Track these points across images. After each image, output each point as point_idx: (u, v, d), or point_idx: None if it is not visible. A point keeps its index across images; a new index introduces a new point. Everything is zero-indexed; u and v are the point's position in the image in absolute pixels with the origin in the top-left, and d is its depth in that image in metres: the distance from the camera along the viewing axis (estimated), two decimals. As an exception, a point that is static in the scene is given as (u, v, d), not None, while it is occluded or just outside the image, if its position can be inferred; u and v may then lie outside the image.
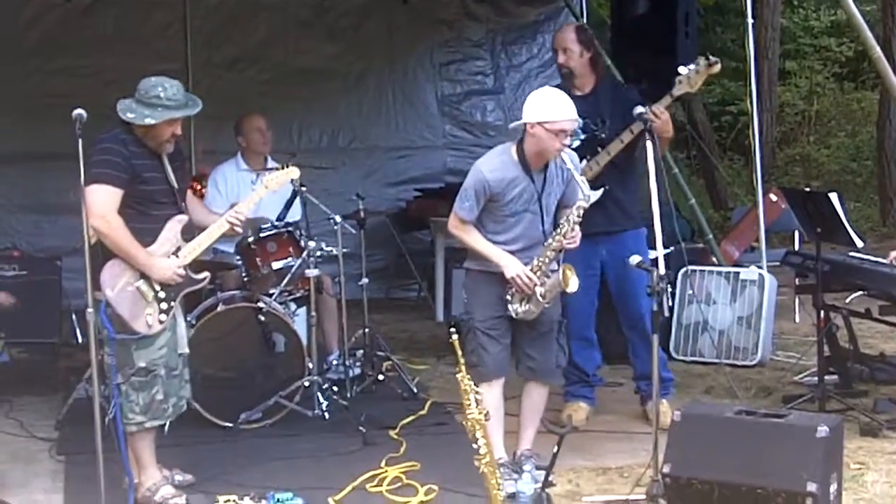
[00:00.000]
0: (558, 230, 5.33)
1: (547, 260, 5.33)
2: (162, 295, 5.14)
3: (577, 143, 6.13)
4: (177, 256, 5.19)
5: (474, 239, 5.39)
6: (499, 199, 5.32)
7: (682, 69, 6.06)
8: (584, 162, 6.08)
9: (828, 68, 17.90)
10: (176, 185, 5.26)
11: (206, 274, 5.35)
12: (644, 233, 6.35)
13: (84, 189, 4.81)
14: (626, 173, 6.27)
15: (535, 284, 5.30)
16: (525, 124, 5.29)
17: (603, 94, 6.29)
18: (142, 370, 5.12)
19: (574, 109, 5.32)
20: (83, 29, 9.42)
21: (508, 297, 5.37)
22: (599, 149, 6.10)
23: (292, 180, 5.97)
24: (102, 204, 5.00)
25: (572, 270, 5.30)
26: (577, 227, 5.32)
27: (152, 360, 5.13)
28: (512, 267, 5.31)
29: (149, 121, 5.07)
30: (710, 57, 6.05)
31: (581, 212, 5.29)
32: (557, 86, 6.41)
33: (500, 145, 5.52)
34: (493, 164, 5.36)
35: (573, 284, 5.28)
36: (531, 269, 5.32)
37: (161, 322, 5.14)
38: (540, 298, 5.32)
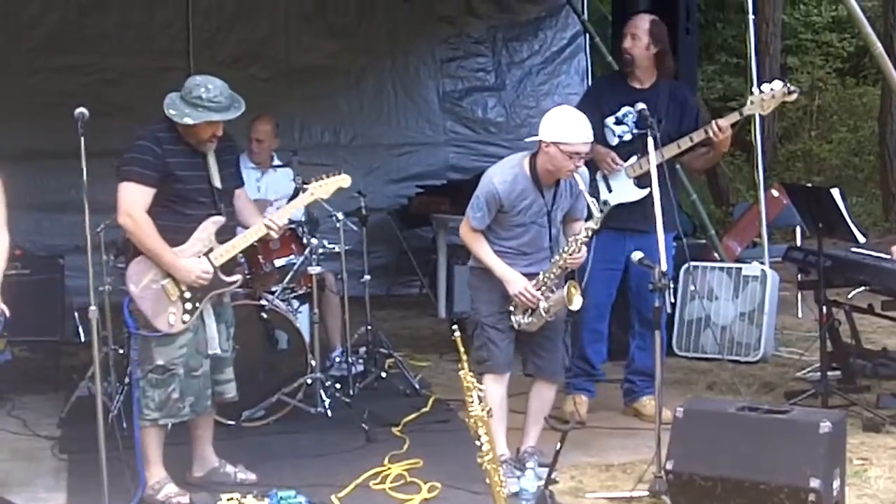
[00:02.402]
0: (565, 248, 5.33)
1: (552, 276, 5.34)
2: (188, 295, 5.13)
3: (628, 137, 6.15)
4: (208, 257, 5.17)
5: (483, 250, 5.39)
6: (508, 211, 5.33)
7: (756, 90, 6.03)
8: (634, 158, 6.08)
9: (829, 64, 17.88)
10: (220, 184, 5.23)
11: (237, 277, 5.34)
12: (672, 236, 6.31)
13: (117, 186, 4.90)
14: (669, 177, 6.22)
15: (539, 300, 5.30)
16: (540, 141, 5.27)
17: (663, 93, 6.25)
18: (159, 367, 5.12)
19: (590, 132, 5.29)
20: (86, 27, 9.43)
21: (512, 308, 5.38)
22: None
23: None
24: (130, 202, 5.02)
25: (577, 288, 5.29)
26: (583, 248, 5.31)
27: (171, 358, 5.13)
28: (515, 284, 5.31)
29: (188, 120, 5.05)
30: (790, 87, 6.00)
31: (589, 233, 5.28)
32: (616, 73, 6.37)
33: (513, 155, 5.49)
34: (505, 177, 5.34)
35: (577, 302, 5.29)
36: (535, 285, 5.32)
37: (184, 322, 5.13)
38: (543, 313, 5.33)
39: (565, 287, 5.28)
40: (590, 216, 5.28)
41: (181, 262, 5.10)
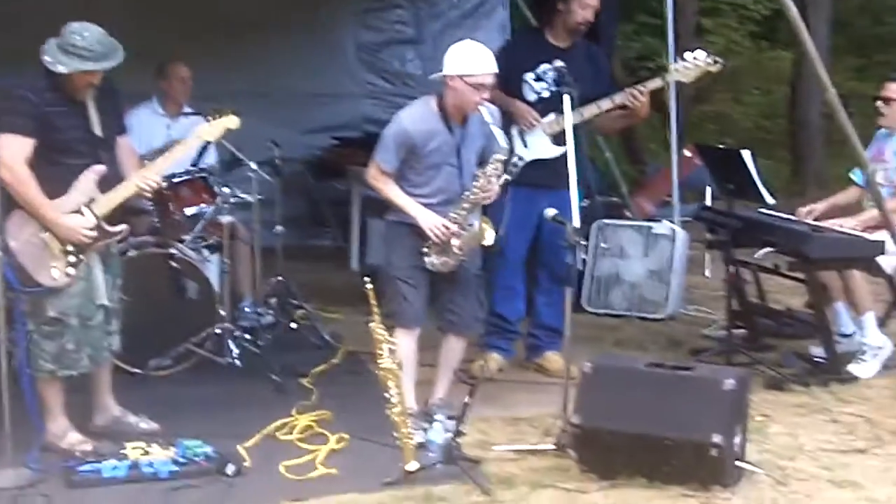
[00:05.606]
0: (475, 183, 5.33)
1: (464, 212, 5.35)
2: (70, 248, 5.03)
3: (547, 94, 6.15)
4: (90, 208, 5.06)
5: (392, 191, 5.39)
6: (418, 151, 5.32)
7: (679, 59, 6.13)
8: (553, 115, 6.07)
9: (744, 26, 18.04)
10: (100, 132, 5.11)
11: (123, 227, 5.21)
12: (581, 193, 6.36)
13: None
14: (579, 136, 6.25)
15: (452, 235, 5.31)
16: (445, 76, 5.27)
17: (581, 53, 6.28)
18: (51, 319, 5.03)
19: (494, 63, 5.30)
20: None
21: (425, 250, 5.38)
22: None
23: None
24: (10, 155, 4.88)
25: (489, 223, 5.32)
26: (493, 180, 5.32)
27: (63, 309, 5.04)
28: (427, 219, 5.32)
29: (61, 69, 4.92)
30: (715, 57, 6.06)
31: (497, 165, 5.30)
32: (535, 29, 6.40)
33: (422, 97, 5.51)
34: (414, 116, 5.36)
35: (489, 238, 5.31)
36: (447, 221, 5.33)
37: (68, 275, 5.03)
38: (456, 251, 5.34)
39: (477, 223, 5.29)
40: (499, 149, 5.28)
41: (62, 219, 4.98)
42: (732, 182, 6.59)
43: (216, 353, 6.36)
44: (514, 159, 6.11)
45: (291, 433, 5.36)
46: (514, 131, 6.21)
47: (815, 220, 6.63)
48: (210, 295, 6.42)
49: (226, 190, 6.55)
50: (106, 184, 5.11)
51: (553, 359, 6.42)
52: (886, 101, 6.73)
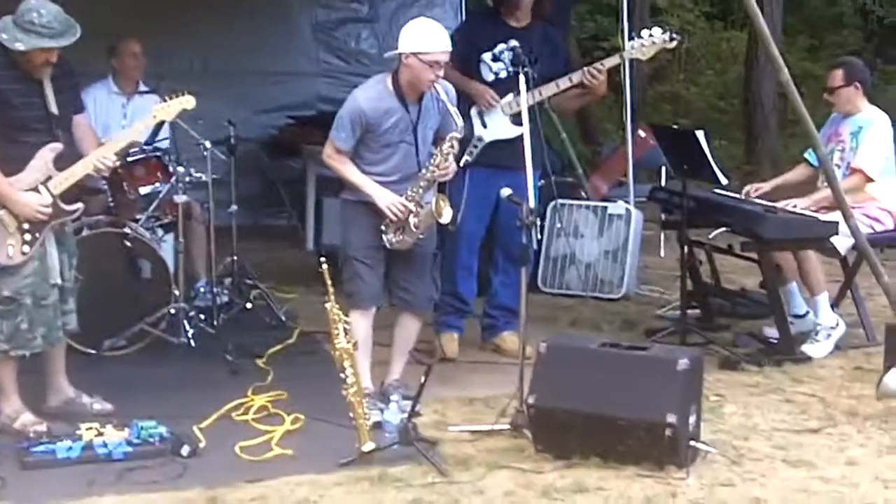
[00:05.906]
0: (431, 161, 5.33)
1: (420, 190, 5.35)
2: (26, 226, 4.99)
3: (504, 74, 6.13)
4: (46, 186, 5.03)
5: (348, 170, 5.38)
6: (374, 130, 5.31)
7: (636, 37, 6.13)
8: (511, 96, 6.06)
9: (699, 7, 18.12)
10: (56, 110, 5.07)
11: (79, 205, 5.19)
12: (539, 173, 6.38)
13: None
14: (539, 117, 6.25)
15: (409, 213, 5.31)
16: (400, 54, 5.27)
17: (538, 33, 6.26)
18: (6, 298, 4.99)
19: (448, 41, 5.30)
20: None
21: (383, 228, 5.38)
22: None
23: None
24: None
25: (446, 201, 5.33)
26: (450, 158, 5.33)
27: (18, 288, 5.00)
28: (384, 197, 5.31)
29: (18, 46, 4.88)
30: (672, 32, 6.07)
31: (454, 143, 5.31)
32: (492, 9, 6.39)
33: (377, 74, 5.49)
34: (370, 94, 5.35)
35: (446, 215, 5.31)
36: (404, 199, 5.32)
37: (24, 253, 5.00)
38: (413, 228, 5.34)
39: (433, 201, 5.29)
40: (455, 127, 5.29)
41: (18, 195, 4.95)
42: (687, 162, 6.61)
43: (171, 333, 6.33)
44: (474, 140, 6.13)
45: (247, 414, 5.33)
46: (473, 112, 6.21)
47: (770, 201, 6.68)
48: (164, 275, 6.38)
49: (180, 169, 6.50)
50: (62, 162, 5.07)
51: (510, 339, 6.43)
52: (832, 90, 6.79)
